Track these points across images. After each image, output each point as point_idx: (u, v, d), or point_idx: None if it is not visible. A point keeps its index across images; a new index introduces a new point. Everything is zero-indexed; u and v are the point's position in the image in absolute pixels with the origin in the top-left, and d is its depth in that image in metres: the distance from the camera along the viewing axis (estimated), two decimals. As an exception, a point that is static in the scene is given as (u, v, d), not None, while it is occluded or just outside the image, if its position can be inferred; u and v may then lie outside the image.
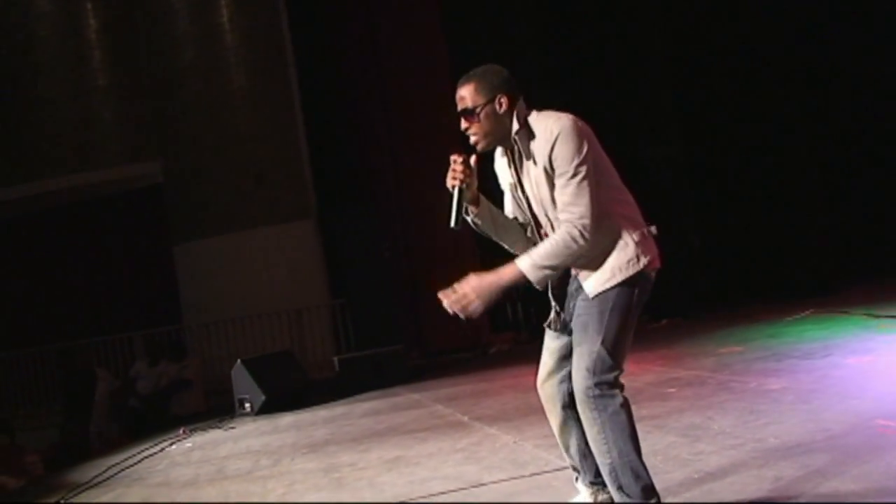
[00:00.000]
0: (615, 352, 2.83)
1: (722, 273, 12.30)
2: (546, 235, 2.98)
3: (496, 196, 3.10)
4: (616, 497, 2.87)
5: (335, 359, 10.02)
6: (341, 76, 12.90)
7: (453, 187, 2.90)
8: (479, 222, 3.01)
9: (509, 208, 3.11)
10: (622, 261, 2.86)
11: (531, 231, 3.06)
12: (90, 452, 8.71)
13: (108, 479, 6.32)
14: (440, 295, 2.86)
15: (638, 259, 2.87)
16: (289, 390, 9.04)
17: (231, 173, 12.13)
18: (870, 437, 3.76)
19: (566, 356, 3.00)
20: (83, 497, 5.82)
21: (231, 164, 12.13)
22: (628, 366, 2.96)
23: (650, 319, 10.63)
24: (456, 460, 4.83)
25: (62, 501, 5.69)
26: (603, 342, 2.82)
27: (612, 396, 2.81)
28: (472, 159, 2.93)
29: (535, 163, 2.87)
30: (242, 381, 8.85)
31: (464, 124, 2.93)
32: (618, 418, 2.80)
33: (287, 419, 8.07)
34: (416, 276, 12.50)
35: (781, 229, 11.42)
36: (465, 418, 6.23)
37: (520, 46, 12.56)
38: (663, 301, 9.44)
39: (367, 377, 9.33)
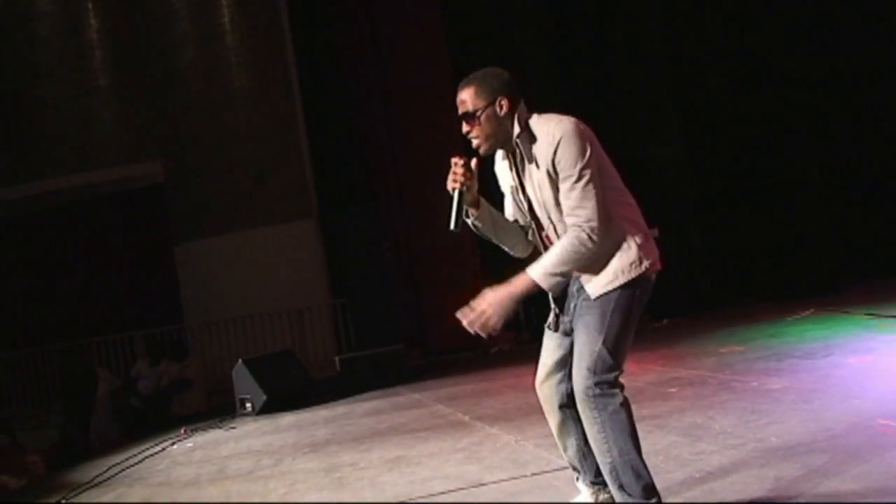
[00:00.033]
0: (616, 352, 2.85)
1: (722, 273, 12.29)
2: (547, 238, 2.99)
3: (496, 198, 3.10)
4: (617, 496, 2.88)
5: (336, 358, 10.03)
6: (341, 76, 12.89)
7: (454, 190, 2.90)
8: (479, 225, 3.01)
9: (509, 211, 3.11)
10: (625, 263, 2.87)
11: (532, 234, 3.07)
12: (91, 452, 8.70)
13: (109, 478, 6.32)
14: (458, 315, 2.85)
15: (640, 262, 2.88)
16: (290, 390, 9.04)
17: (231, 173, 12.12)
18: (871, 436, 3.77)
19: (565, 357, 3.02)
20: (84, 497, 5.83)
21: (231, 164, 12.12)
22: (629, 365, 2.98)
23: (651, 319, 10.64)
24: (457, 460, 4.83)
25: (63, 501, 5.69)
26: (604, 342, 2.83)
27: (612, 396, 2.82)
28: (473, 162, 2.94)
29: (537, 166, 2.87)
30: (244, 380, 8.86)
31: (465, 128, 2.93)
32: (618, 417, 2.81)
33: (288, 419, 8.08)
34: (416, 276, 12.50)
35: (782, 229, 11.41)
36: (467, 418, 6.24)
37: (521, 46, 12.56)
38: (664, 301, 9.43)
39: (368, 377, 9.34)
